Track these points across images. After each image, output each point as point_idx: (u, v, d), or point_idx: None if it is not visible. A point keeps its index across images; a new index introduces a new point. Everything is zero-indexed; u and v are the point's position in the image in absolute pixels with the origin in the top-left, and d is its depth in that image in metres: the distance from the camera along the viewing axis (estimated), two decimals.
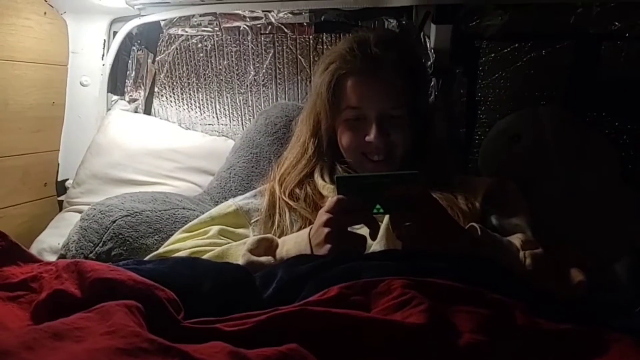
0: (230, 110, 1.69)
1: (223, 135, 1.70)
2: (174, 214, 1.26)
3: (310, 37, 1.58)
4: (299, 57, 1.61)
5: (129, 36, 1.68)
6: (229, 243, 1.03)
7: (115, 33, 1.67)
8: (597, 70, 1.43)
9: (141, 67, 1.72)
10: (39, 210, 1.54)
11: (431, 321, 0.59)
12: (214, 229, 1.08)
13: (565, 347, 0.61)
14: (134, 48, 1.71)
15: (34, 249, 1.35)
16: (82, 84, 1.65)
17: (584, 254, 0.99)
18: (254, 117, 1.63)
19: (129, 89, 1.74)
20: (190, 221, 1.14)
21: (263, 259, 0.93)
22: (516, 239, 0.95)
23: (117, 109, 1.69)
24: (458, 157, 1.48)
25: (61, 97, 1.60)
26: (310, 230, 0.92)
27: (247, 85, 1.66)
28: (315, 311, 0.60)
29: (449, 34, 1.46)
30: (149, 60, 1.71)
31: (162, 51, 1.69)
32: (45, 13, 1.47)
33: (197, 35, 1.65)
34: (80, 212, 1.34)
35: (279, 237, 1.02)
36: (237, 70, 1.66)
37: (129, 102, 1.73)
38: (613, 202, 1.24)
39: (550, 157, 1.27)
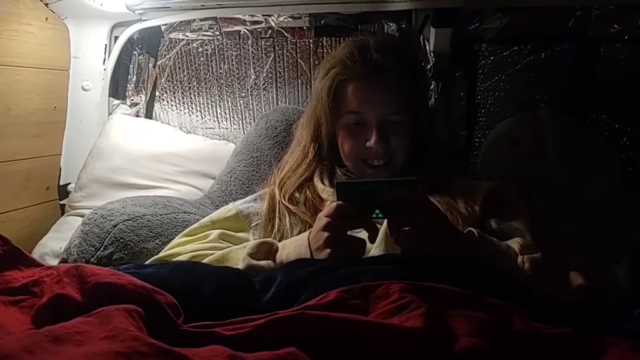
0: (231, 114, 1.70)
1: (224, 139, 1.71)
2: (175, 218, 1.26)
3: (311, 40, 1.59)
4: (299, 60, 1.61)
5: (130, 41, 1.69)
6: (229, 247, 1.03)
7: (116, 38, 1.68)
8: (596, 73, 1.44)
9: (142, 71, 1.73)
10: (41, 214, 1.54)
11: (429, 325, 0.59)
12: (214, 232, 1.08)
13: (563, 351, 0.61)
14: (135, 52, 1.72)
15: (36, 253, 1.35)
16: (83, 89, 1.66)
17: (583, 257, 0.98)
18: (254, 121, 1.64)
19: (130, 93, 1.74)
20: (190, 225, 1.14)
21: (263, 263, 0.93)
22: (515, 243, 0.95)
23: (118, 113, 1.69)
24: (458, 160, 1.48)
25: (63, 102, 1.61)
26: (310, 234, 0.92)
27: (248, 89, 1.66)
28: (314, 315, 0.61)
29: (449, 37, 1.46)
30: (150, 65, 1.72)
31: (163, 55, 1.70)
32: (46, 19, 1.47)
33: (197, 40, 1.66)
34: (82, 216, 1.34)
35: (279, 240, 1.02)
36: (237, 74, 1.66)
37: (130, 106, 1.74)
38: (613, 204, 1.24)
39: (550, 159, 1.27)
